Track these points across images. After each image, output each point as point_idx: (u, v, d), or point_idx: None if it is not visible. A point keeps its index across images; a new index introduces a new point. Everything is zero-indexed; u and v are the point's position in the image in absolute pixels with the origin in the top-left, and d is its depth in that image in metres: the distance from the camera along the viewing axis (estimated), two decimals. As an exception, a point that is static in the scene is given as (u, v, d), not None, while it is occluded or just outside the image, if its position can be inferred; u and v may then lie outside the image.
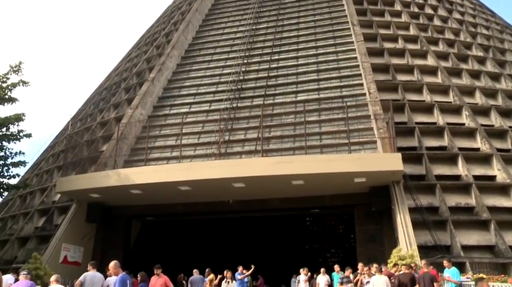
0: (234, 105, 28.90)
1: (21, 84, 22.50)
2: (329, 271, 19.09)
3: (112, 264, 9.47)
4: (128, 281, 9.27)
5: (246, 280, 19.07)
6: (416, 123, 24.66)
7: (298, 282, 19.37)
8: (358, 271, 15.00)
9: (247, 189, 21.68)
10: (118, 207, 25.70)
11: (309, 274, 18.62)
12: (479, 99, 26.85)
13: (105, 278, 11.83)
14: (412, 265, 14.30)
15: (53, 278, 10.12)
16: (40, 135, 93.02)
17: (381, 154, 21.54)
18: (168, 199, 24.09)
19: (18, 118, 22.55)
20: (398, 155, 19.45)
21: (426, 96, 26.53)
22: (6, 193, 26.92)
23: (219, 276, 17.85)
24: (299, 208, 24.98)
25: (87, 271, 11.74)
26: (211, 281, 17.28)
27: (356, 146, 23.59)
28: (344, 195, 22.47)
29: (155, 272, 12.30)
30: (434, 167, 22.55)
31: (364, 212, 22.41)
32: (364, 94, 26.99)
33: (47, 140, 52.99)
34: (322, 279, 18.28)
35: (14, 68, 22.55)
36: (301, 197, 23.04)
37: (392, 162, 19.41)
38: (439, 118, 25.09)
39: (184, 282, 18.75)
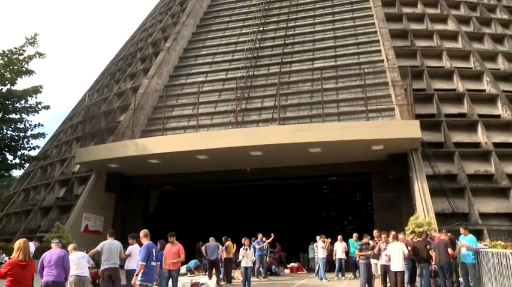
0: (251, 73, 28.72)
1: (37, 56, 22.58)
2: (346, 239, 19.24)
3: (142, 233, 9.57)
4: (154, 249, 9.38)
5: (264, 247, 19.42)
6: (435, 90, 24.25)
7: (316, 249, 19.57)
8: (375, 239, 15.09)
9: (264, 157, 21.78)
10: (136, 177, 26.07)
11: (326, 240, 18.77)
12: (501, 64, 26.18)
13: (127, 247, 12.06)
14: (428, 232, 14.32)
15: (70, 247, 10.33)
16: (58, 107, 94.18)
17: (399, 121, 21.34)
18: (185, 168, 24.34)
19: (36, 90, 22.74)
20: (417, 122, 19.26)
21: (446, 62, 25.98)
22: (27, 165, 27.43)
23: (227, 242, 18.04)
24: (316, 175, 25.05)
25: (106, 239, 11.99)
26: (227, 248, 17.52)
27: (374, 113, 23.37)
28: (361, 163, 22.44)
29: (169, 239, 12.24)
30: (453, 134, 22.29)
31: (381, 179, 22.41)
32: (382, 61, 26.57)
33: (65, 111, 53.61)
34: (339, 246, 18.46)
35: (30, 40, 22.61)
36: (318, 164, 23.08)
37: (410, 129, 19.24)
38: (458, 84, 24.62)
39: (202, 249, 19.10)
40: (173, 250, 12.00)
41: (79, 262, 9.94)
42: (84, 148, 25.39)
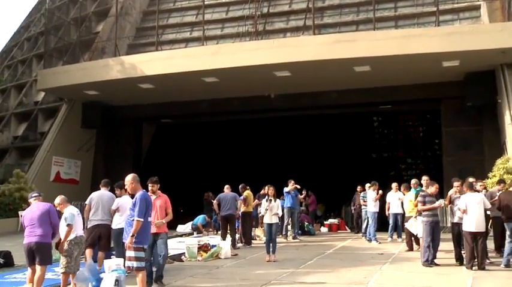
0: (274, -38, 28.00)
1: None
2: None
3: (129, 178, 9.28)
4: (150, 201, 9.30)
5: (294, 194, 19.25)
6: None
7: (363, 201, 19.51)
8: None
9: (294, 79, 21.62)
10: (123, 107, 26.19)
11: (378, 191, 18.66)
12: None
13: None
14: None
15: (59, 200, 10.31)
16: (7, 12, 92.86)
17: (486, 25, 20.69)
18: (189, 95, 24.37)
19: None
20: (514, 25, 18.55)
21: None
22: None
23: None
24: (364, 103, 24.93)
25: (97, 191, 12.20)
26: (246, 199, 17.58)
27: (447, 15, 22.73)
28: (427, 85, 22.07)
29: (151, 188, 10.52)
30: None
31: (455, 108, 22.13)
32: None
33: (18, 19, 53.20)
34: (393, 197, 18.20)
35: None
36: (366, 88, 22.87)
37: (503, 36, 18.47)
38: None
39: (212, 202, 19.19)
40: (158, 203, 10.60)
41: (78, 220, 10.10)
42: (49, 69, 25.33)
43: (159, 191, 10.78)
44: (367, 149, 35.07)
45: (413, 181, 18.02)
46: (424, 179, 14.56)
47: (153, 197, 10.31)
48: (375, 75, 21.20)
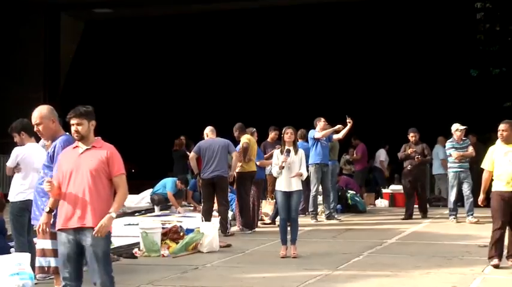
0: None
1: None
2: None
3: (39, 113, 9.06)
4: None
5: (326, 143, 19.03)
6: None
7: (453, 153, 19.40)
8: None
9: None
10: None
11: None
12: None
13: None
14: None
15: None
16: None
17: None
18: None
19: None
20: None
21: None
22: None
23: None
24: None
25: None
26: (246, 151, 17.30)
27: None
28: None
29: (74, 129, 8.34)
30: None
31: None
32: None
33: None
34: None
35: None
36: None
37: None
38: None
39: (191, 157, 18.90)
40: (89, 165, 8.17)
41: None
42: None
43: (98, 138, 8.62)
44: (463, 61, 34.93)
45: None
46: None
47: (80, 148, 8.37)
48: None
